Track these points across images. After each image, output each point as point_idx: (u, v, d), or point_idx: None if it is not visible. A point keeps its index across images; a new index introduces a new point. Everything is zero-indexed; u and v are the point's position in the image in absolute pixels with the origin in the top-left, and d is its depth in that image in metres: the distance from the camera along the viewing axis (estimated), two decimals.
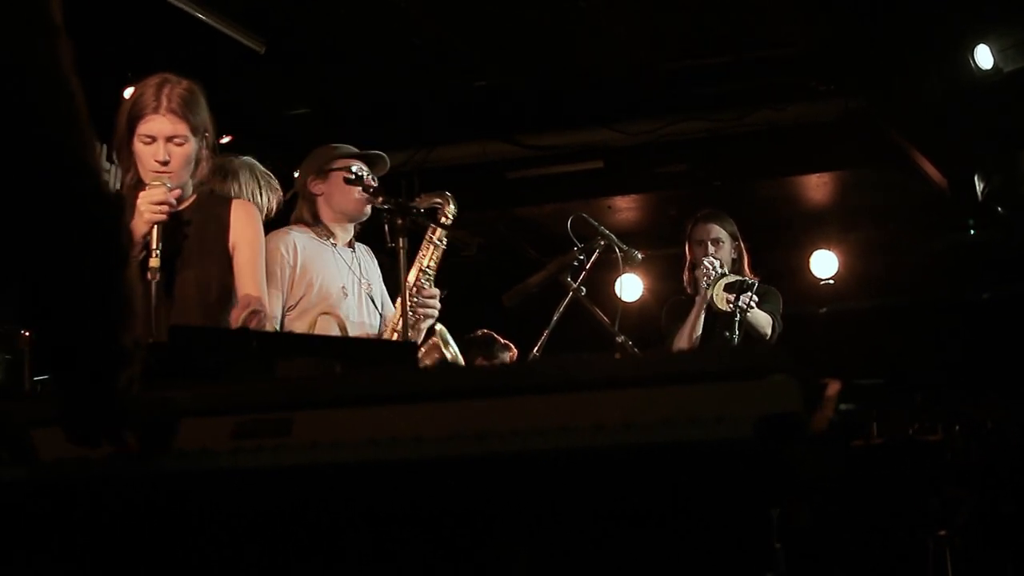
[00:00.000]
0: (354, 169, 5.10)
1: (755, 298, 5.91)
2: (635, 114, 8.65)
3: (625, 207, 10.33)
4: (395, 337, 4.88)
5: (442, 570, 2.06)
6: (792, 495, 2.14)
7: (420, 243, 5.20)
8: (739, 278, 6.10)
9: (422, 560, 2.06)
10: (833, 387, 2.08)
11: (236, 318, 3.91)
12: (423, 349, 5.09)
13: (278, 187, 5.28)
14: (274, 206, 5.23)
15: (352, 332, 4.96)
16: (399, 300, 4.90)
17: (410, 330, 4.87)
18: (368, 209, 5.13)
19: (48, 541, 2.21)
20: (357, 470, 2.01)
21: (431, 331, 5.17)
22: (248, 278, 4.19)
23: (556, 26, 7.52)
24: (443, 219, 5.18)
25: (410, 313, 4.92)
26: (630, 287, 10.28)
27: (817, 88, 8.13)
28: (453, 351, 5.20)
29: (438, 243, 5.18)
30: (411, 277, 5.03)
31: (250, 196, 5.16)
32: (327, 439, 2.05)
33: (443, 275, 5.43)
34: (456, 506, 2.01)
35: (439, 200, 5.15)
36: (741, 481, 1.93)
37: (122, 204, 2.17)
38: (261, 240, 4.34)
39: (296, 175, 5.39)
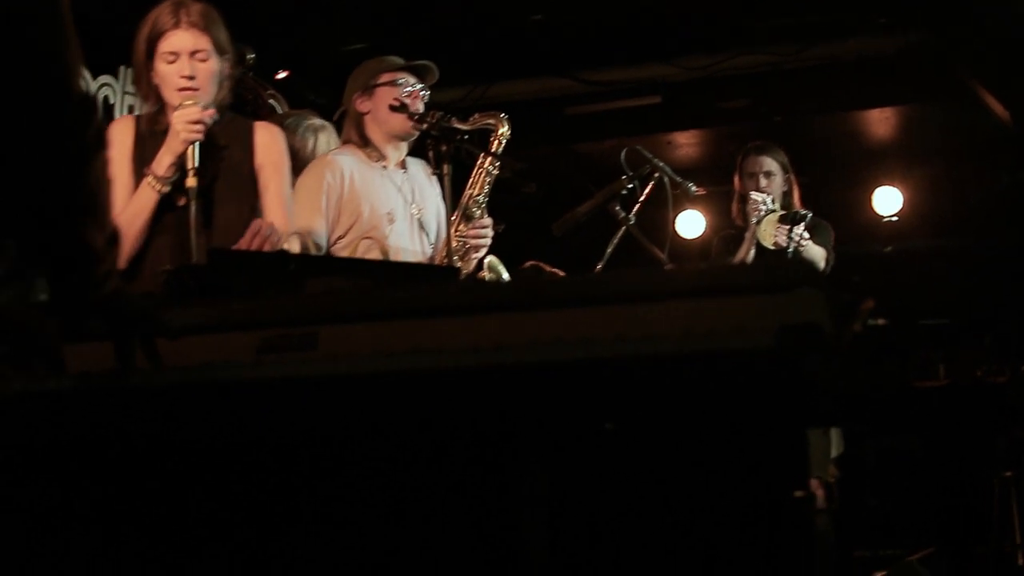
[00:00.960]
0: (399, 82, 5.01)
1: (806, 234, 5.85)
2: (694, 48, 8.54)
3: (685, 143, 10.24)
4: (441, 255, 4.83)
5: (461, 481, 2.05)
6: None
7: (472, 168, 5.08)
8: (789, 212, 6.04)
9: (444, 473, 2.05)
10: (865, 304, 2.05)
11: (244, 244, 3.88)
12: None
13: (336, 137, 5.25)
14: None
15: (398, 258, 4.84)
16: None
17: (460, 260, 4.79)
18: (417, 127, 4.96)
19: (74, 451, 2.22)
20: (380, 382, 2.01)
21: (481, 263, 5.08)
22: (273, 200, 4.16)
23: None
24: (495, 142, 5.07)
25: (460, 242, 4.84)
26: (691, 223, 10.21)
27: (879, 21, 7.99)
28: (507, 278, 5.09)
29: (489, 170, 5.07)
30: (459, 209, 4.95)
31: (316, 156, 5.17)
32: (351, 352, 2.04)
33: (501, 212, 5.39)
34: (480, 418, 2.00)
35: (491, 121, 5.02)
36: (764, 392, 1.91)
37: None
38: (286, 162, 4.28)
39: (344, 95, 5.22)
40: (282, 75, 7.62)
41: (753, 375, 1.89)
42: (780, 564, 2.06)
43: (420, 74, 5.14)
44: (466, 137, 4.76)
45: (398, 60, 5.21)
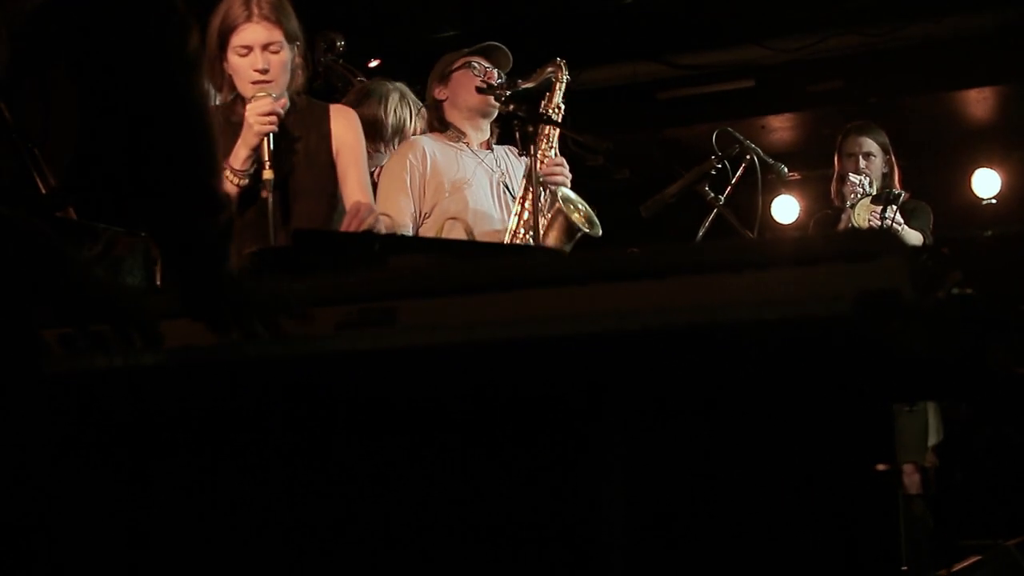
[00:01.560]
0: (473, 65, 5.08)
1: (899, 217, 5.78)
2: (786, 30, 8.47)
3: (779, 126, 10.16)
4: (522, 224, 4.83)
5: (540, 451, 2.05)
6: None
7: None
8: (883, 192, 5.96)
9: (524, 445, 2.05)
10: (953, 275, 2.01)
11: (347, 226, 3.90)
12: (545, 220, 4.91)
13: (417, 100, 5.29)
14: (415, 123, 5.25)
15: (477, 222, 4.90)
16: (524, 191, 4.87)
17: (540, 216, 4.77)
18: (494, 103, 5.04)
19: (165, 423, 2.24)
20: (458, 354, 2.01)
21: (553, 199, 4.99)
22: (353, 183, 4.18)
23: None
24: (558, 86, 5.06)
25: (540, 188, 4.80)
26: (786, 208, 10.14)
27: None
28: (583, 208, 4.99)
29: (554, 112, 5.03)
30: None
31: (401, 122, 5.20)
32: (429, 325, 2.04)
33: (594, 198, 5.36)
34: (559, 390, 2.00)
35: (551, 69, 5.02)
36: (846, 362, 1.89)
37: (191, 20, 2.11)
38: (362, 144, 4.31)
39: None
40: (374, 63, 7.66)
41: (834, 344, 1.87)
42: (863, 538, 2.04)
43: (493, 57, 5.21)
44: (550, 117, 4.76)
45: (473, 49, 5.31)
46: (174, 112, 2.04)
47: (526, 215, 4.84)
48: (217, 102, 4.24)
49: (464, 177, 4.99)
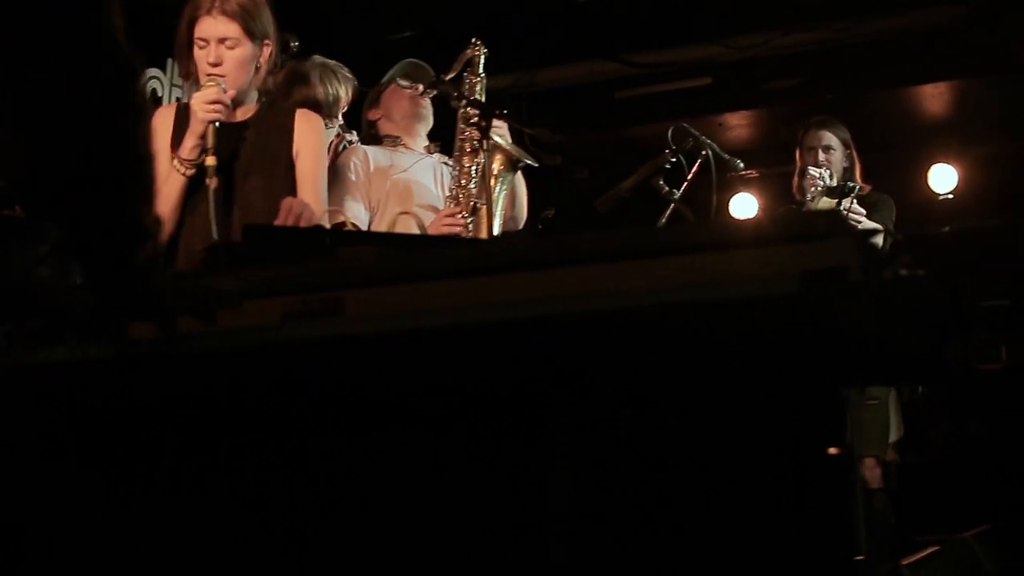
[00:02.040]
0: (402, 81, 5.25)
1: (858, 208, 5.79)
2: (743, 28, 8.48)
3: (736, 124, 10.17)
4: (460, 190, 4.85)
5: (489, 438, 2.04)
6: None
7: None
8: (839, 184, 5.98)
9: (465, 429, 2.04)
10: (902, 257, 2.01)
11: (281, 223, 3.89)
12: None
13: (350, 75, 5.30)
14: (350, 95, 5.26)
15: (426, 213, 4.94)
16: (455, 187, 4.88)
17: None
18: (427, 104, 5.18)
19: (106, 419, 2.22)
20: (404, 341, 2.00)
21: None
22: (308, 186, 4.18)
23: None
24: (478, 60, 5.03)
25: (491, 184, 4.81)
26: (745, 205, 10.16)
27: None
28: (515, 149, 4.99)
29: (479, 86, 5.02)
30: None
31: (336, 94, 5.19)
32: (376, 315, 2.03)
33: (552, 197, 5.36)
34: (504, 376, 1.99)
35: (467, 51, 4.99)
36: (794, 343, 1.88)
37: (138, 65, 2.12)
38: (323, 150, 4.35)
39: None
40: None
41: (783, 324, 1.87)
42: (817, 522, 2.03)
43: (416, 74, 5.32)
44: (504, 112, 4.77)
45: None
46: (109, 151, 2.05)
47: (463, 181, 4.84)
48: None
49: (405, 167, 5.09)
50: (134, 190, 2.10)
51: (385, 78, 5.38)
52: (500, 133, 4.94)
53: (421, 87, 5.13)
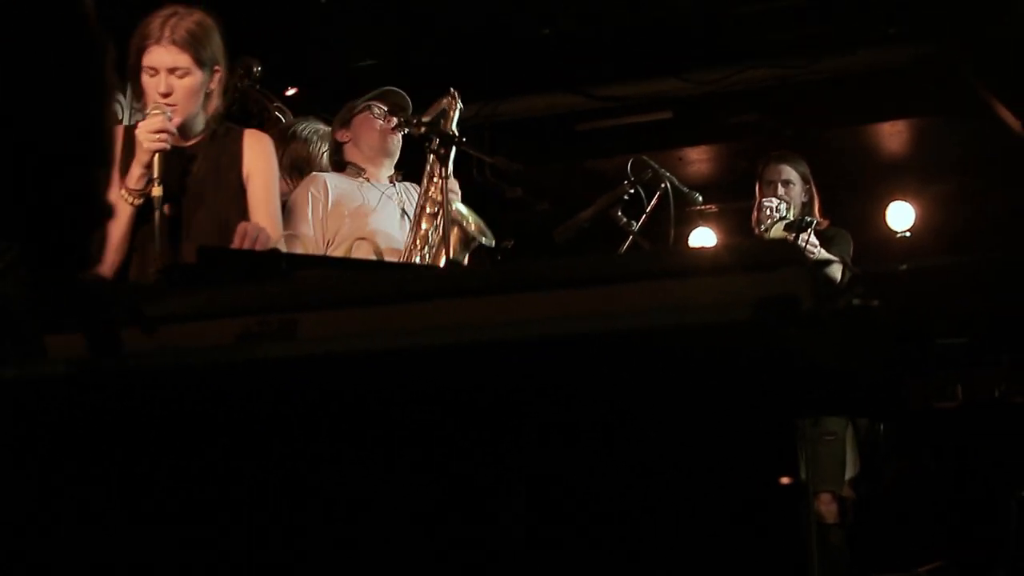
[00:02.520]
0: (375, 108, 5.20)
1: (815, 241, 5.82)
2: (704, 63, 8.53)
3: (696, 158, 10.22)
4: (419, 238, 4.84)
5: (444, 459, 2.04)
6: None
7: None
8: (797, 218, 6.01)
9: (420, 451, 2.03)
10: (856, 288, 2.02)
11: (236, 247, 3.87)
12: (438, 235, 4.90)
13: None
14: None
15: (384, 243, 4.94)
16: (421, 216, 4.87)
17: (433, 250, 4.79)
18: (396, 139, 5.15)
19: (48, 438, 2.20)
20: (357, 363, 1.99)
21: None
22: (260, 209, 4.16)
23: None
24: (452, 114, 5.00)
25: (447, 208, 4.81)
26: (703, 240, 10.21)
27: (888, 31, 7.97)
28: (475, 220, 4.98)
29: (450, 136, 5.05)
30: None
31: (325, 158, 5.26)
32: (331, 337, 2.03)
33: (513, 229, 5.36)
34: (459, 398, 1.99)
35: (445, 100, 5.01)
36: (746, 372, 1.89)
37: (106, 42, 2.08)
38: (274, 171, 4.31)
39: None
40: (292, 91, 7.65)
41: (735, 351, 1.87)
42: (767, 554, 2.03)
43: (392, 100, 5.31)
44: (463, 139, 4.77)
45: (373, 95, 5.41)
46: (74, 129, 2.00)
47: (422, 229, 4.85)
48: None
49: (368, 204, 5.07)
50: (98, 170, 2.05)
51: (361, 100, 5.35)
52: (457, 210, 4.94)
53: (393, 122, 5.09)
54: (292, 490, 2.15)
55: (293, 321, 2.06)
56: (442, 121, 4.98)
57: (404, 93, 5.31)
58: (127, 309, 2.15)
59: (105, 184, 2.08)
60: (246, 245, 3.83)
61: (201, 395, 2.16)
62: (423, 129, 4.81)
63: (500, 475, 1.99)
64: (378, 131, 5.20)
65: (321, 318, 2.07)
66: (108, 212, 2.08)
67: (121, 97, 7.25)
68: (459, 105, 5.03)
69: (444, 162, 4.62)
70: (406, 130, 4.95)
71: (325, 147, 5.35)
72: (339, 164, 5.30)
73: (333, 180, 5.12)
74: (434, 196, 4.83)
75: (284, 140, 5.22)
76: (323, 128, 5.41)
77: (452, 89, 5.07)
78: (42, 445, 2.25)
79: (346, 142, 5.30)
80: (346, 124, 5.31)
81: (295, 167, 5.23)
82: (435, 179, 4.88)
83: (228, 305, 2.17)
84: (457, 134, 4.93)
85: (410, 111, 5.25)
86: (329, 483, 2.12)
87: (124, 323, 2.14)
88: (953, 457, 8.56)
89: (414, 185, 5.21)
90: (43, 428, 2.25)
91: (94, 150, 2.04)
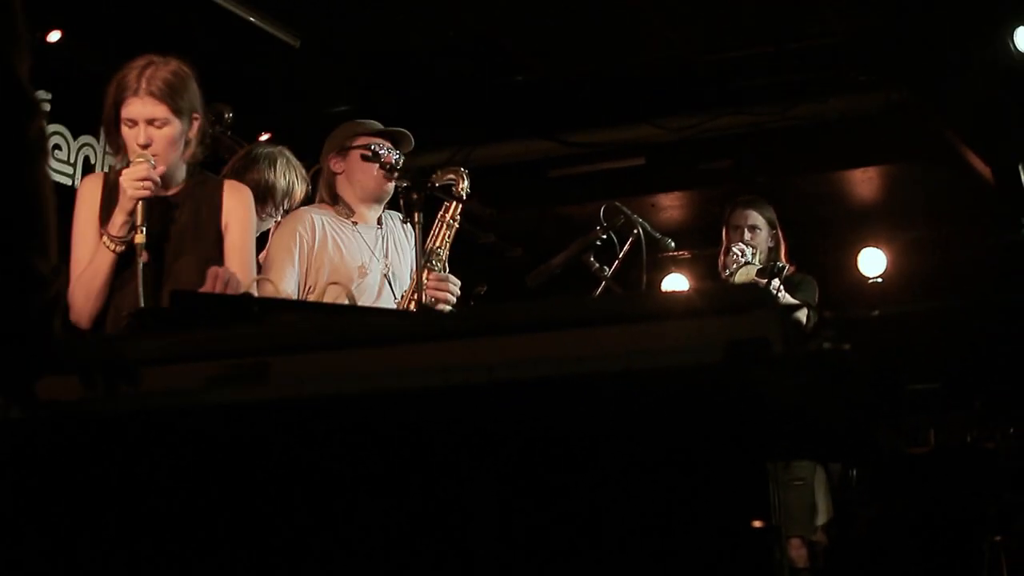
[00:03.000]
0: (373, 147, 4.98)
1: (780, 286, 5.84)
2: (676, 110, 8.57)
3: (668, 205, 10.26)
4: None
5: (414, 498, 2.04)
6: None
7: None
8: (767, 264, 6.02)
9: (391, 492, 2.03)
10: (825, 331, 2.03)
11: (206, 290, 3.86)
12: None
13: (307, 176, 5.28)
14: (302, 195, 5.23)
15: (365, 290, 4.89)
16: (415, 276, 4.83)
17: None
18: (390, 187, 4.99)
19: (18, 482, 2.20)
20: (327, 406, 1.99)
21: None
22: (235, 258, 4.15)
23: (595, 20, 7.49)
24: (456, 197, 5.03)
25: (428, 298, 4.80)
26: (676, 286, 10.20)
27: (859, 79, 8.03)
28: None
29: (451, 223, 5.04)
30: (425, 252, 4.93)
31: (290, 185, 5.17)
32: (303, 381, 2.03)
33: (486, 275, 5.37)
34: (431, 439, 1.99)
35: (452, 176, 4.99)
36: (718, 414, 1.90)
37: (36, 105, 2.04)
38: (252, 221, 4.30)
39: (322, 153, 5.27)
40: (264, 137, 7.65)
41: (706, 394, 1.88)
42: None
43: (395, 140, 5.18)
44: (436, 185, 4.74)
45: (376, 124, 5.25)
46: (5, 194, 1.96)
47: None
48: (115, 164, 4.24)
49: (359, 264, 4.96)
50: (26, 233, 1.99)
51: (362, 129, 5.21)
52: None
53: (394, 176, 4.92)
54: (264, 532, 2.14)
55: (265, 364, 2.06)
56: (444, 205, 5.01)
57: (410, 135, 5.22)
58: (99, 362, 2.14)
59: (41, 249, 2.02)
60: (217, 289, 3.83)
61: (172, 438, 2.16)
62: (396, 177, 4.78)
63: (473, 515, 1.98)
64: (375, 178, 5.04)
65: (292, 361, 2.06)
66: (47, 277, 2.02)
67: (94, 141, 7.28)
68: (467, 185, 4.98)
69: (417, 207, 4.58)
70: (395, 178, 4.84)
71: (272, 169, 5.23)
72: (330, 196, 5.16)
73: (321, 219, 5.01)
74: (431, 257, 4.85)
75: (245, 164, 5.16)
76: (285, 155, 5.30)
77: (463, 169, 5.05)
78: (11, 489, 2.24)
79: (339, 173, 5.16)
80: (343, 153, 5.15)
81: (258, 195, 5.15)
82: (433, 238, 4.95)
83: (199, 349, 2.17)
84: (458, 219, 4.98)
85: (411, 148, 5.21)
86: (301, 525, 2.11)
87: (96, 372, 2.13)
88: (926, 502, 8.59)
89: (396, 214, 5.10)
90: (12, 471, 2.24)
91: (24, 219, 1.99)
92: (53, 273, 2.02)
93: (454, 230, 5.02)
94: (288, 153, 5.27)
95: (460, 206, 5.01)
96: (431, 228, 4.99)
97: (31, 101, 2.00)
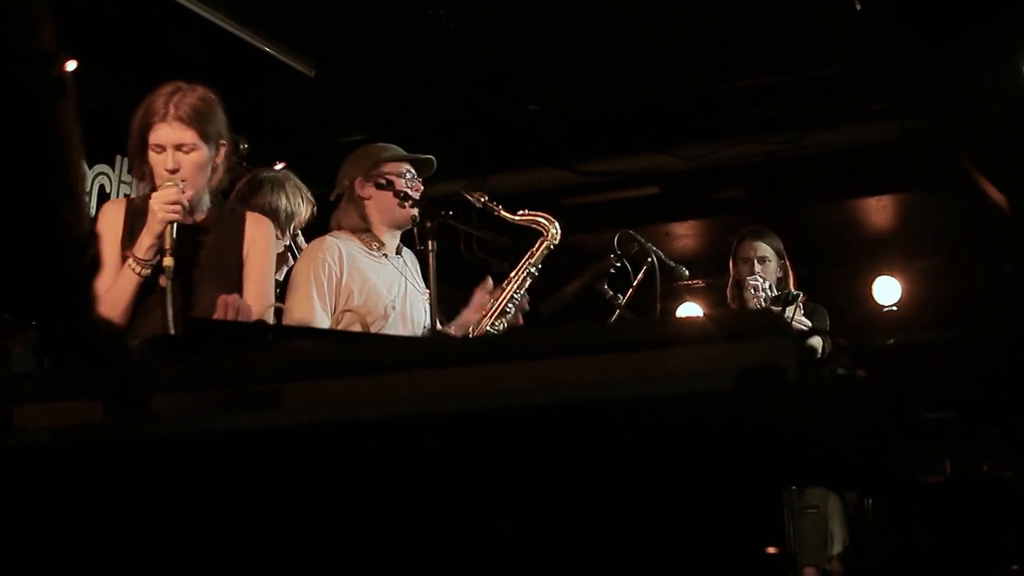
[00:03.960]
0: (402, 175, 5.02)
1: (800, 315, 5.83)
2: (690, 138, 8.58)
3: (683, 233, 10.27)
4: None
5: (428, 523, 2.03)
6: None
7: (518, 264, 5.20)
8: (782, 292, 6.01)
9: (403, 519, 2.03)
10: (839, 357, 2.02)
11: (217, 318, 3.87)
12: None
13: (312, 199, 5.27)
14: (308, 216, 5.23)
15: (379, 302, 4.88)
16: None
17: None
18: (415, 213, 4.90)
19: (30, 506, 2.20)
20: (341, 432, 1.99)
21: None
22: (252, 289, 4.15)
23: (609, 50, 7.50)
24: (543, 243, 5.18)
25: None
26: (689, 315, 10.19)
27: (873, 107, 8.03)
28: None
29: (531, 271, 5.09)
30: (500, 303, 5.04)
31: (295, 208, 5.17)
32: (315, 407, 2.03)
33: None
34: (449, 463, 1.99)
35: (541, 220, 5.06)
36: (733, 439, 1.89)
37: (58, 56, 1.98)
38: (272, 254, 4.30)
39: (340, 175, 5.22)
40: (280, 166, 7.67)
41: (721, 421, 1.87)
42: None
43: (419, 165, 5.17)
44: (451, 213, 4.73)
45: (400, 150, 5.22)
46: (27, 142, 1.93)
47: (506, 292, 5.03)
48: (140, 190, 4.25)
49: (390, 302, 4.92)
50: (56, 183, 1.94)
51: (388, 155, 5.16)
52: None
53: (418, 210, 4.84)
54: (274, 559, 2.14)
55: (278, 391, 2.06)
56: (530, 250, 5.18)
57: (433, 160, 5.20)
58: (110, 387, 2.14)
59: (73, 208, 1.97)
60: (228, 316, 3.83)
61: (184, 464, 2.16)
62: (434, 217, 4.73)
63: (486, 541, 1.98)
64: (401, 211, 4.97)
65: (305, 387, 2.06)
66: (83, 239, 1.97)
67: (109, 169, 7.30)
68: (557, 233, 5.22)
69: (431, 235, 4.59)
70: (430, 218, 4.78)
71: (281, 193, 5.22)
72: (361, 219, 5.08)
73: (348, 248, 4.93)
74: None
75: (250, 188, 5.17)
76: (291, 179, 5.30)
77: (552, 219, 5.21)
78: (23, 514, 2.24)
79: (368, 199, 5.07)
80: (371, 179, 5.08)
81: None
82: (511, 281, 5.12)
83: (213, 374, 2.17)
84: (539, 267, 5.12)
85: (431, 173, 5.20)
86: (314, 551, 2.11)
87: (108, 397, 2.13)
88: (942, 531, 8.55)
89: (411, 254, 5.15)
90: (23, 496, 2.24)
91: (52, 166, 1.94)
92: (89, 236, 1.98)
93: (534, 277, 5.07)
94: (293, 176, 5.27)
95: (543, 253, 5.05)
96: (513, 271, 5.05)
97: (46, 53, 1.95)
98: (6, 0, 1.92)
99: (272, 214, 4.98)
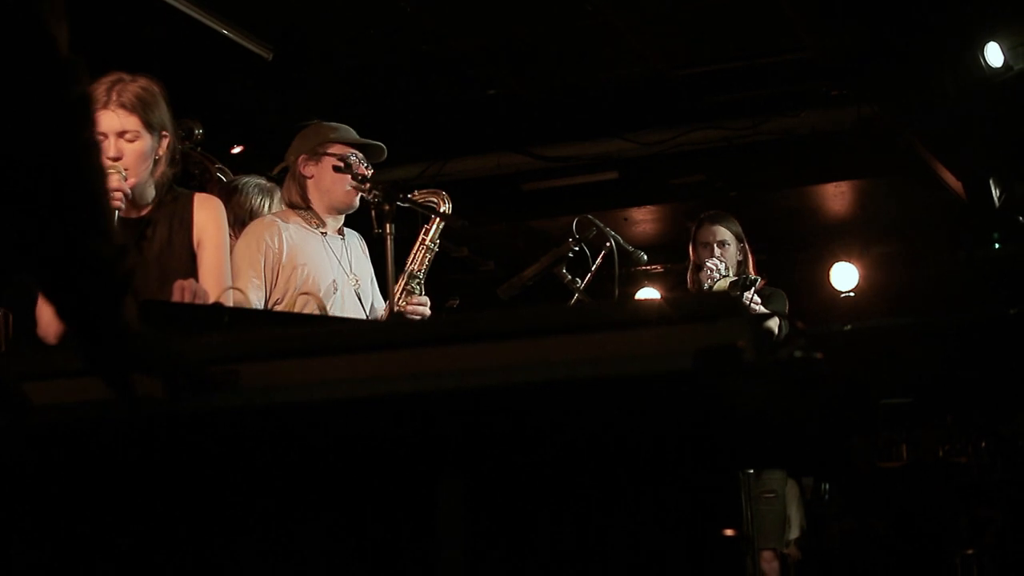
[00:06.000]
0: (350, 158, 4.94)
1: (757, 299, 5.85)
2: (649, 124, 8.58)
3: (641, 219, 10.28)
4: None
5: (381, 510, 2.02)
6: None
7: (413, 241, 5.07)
8: (740, 277, 6.02)
9: (358, 500, 2.02)
10: (797, 340, 2.02)
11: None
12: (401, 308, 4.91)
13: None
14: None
15: (325, 282, 4.88)
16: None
17: None
18: (357, 200, 4.96)
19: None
20: (298, 413, 1.98)
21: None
22: (207, 271, 4.13)
23: (567, 35, 7.49)
24: (436, 220, 5.03)
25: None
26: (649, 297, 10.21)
27: (831, 93, 8.06)
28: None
29: (430, 246, 5.05)
30: (399, 283, 4.94)
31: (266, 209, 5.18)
32: (272, 387, 2.02)
33: (458, 288, 5.36)
34: (397, 447, 1.98)
35: (434, 199, 5.00)
36: (688, 422, 1.89)
37: (81, 67, 1.93)
38: (224, 234, 4.25)
39: (289, 151, 5.21)
40: (237, 150, 7.64)
41: (677, 402, 1.87)
42: None
43: (369, 152, 5.13)
44: (409, 196, 4.73)
45: (351, 132, 5.20)
46: (48, 163, 1.86)
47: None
48: None
49: (332, 280, 4.92)
50: (79, 209, 1.88)
51: (337, 136, 5.13)
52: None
53: (364, 188, 4.83)
54: (235, 540, 2.13)
55: (235, 372, 2.05)
56: (424, 226, 5.06)
57: (383, 147, 5.16)
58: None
59: (98, 230, 1.94)
60: (186, 300, 3.81)
61: (143, 446, 2.14)
62: (368, 187, 4.75)
63: (441, 524, 1.97)
64: (345, 190, 4.97)
65: (262, 369, 2.05)
66: (116, 260, 1.94)
67: None
68: (448, 208, 5.01)
69: (389, 218, 4.57)
70: (367, 190, 4.77)
71: (267, 200, 5.24)
72: (301, 198, 5.07)
73: (290, 229, 4.93)
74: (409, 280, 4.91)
75: (227, 195, 5.14)
76: (265, 183, 5.32)
77: (443, 192, 5.08)
78: None
79: (309, 177, 5.06)
80: (315, 157, 5.06)
81: (238, 221, 5.12)
82: (412, 261, 5.01)
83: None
84: (437, 242, 5.03)
85: (383, 159, 5.18)
86: (269, 533, 2.10)
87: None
88: (898, 516, 8.62)
89: (359, 236, 5.15)
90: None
91: (75, 191, 1.91)
92: (118, 254, 1.93)
93: (433, 253, 5.02)
94: (258, 180, 5.29)
95: (439, 228, 5.01)
96: (410, 251, 5.02)
97: (71, 65, 1.90)
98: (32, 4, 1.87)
99: (250, 217, 4.97)
